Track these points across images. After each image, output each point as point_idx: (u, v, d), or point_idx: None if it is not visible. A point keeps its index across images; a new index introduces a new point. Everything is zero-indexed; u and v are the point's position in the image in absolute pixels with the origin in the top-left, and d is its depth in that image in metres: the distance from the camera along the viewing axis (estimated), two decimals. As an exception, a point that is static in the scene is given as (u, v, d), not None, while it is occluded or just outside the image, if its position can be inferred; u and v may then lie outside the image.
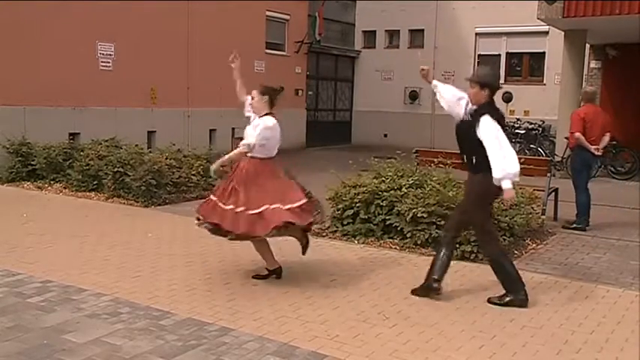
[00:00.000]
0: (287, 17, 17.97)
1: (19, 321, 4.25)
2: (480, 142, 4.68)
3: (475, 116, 4.75)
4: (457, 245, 5.65)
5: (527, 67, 18.53)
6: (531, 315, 4.63)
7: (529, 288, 5.25)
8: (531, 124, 16.26)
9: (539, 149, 14.87)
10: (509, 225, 6.46)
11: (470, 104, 4.86)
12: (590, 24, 12.53)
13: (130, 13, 12.69)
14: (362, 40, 21.15)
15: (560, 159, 13.03)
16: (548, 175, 8.08)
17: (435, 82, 5.10)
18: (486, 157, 4.65)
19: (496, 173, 4.58)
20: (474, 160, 4.81)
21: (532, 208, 7.25)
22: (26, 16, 10.98)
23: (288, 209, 4.90)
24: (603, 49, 15.45)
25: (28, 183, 9.97)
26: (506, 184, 4.59)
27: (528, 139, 15.40)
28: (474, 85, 4.79)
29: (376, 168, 7.32)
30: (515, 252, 6.53)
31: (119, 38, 12.66)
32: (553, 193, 8.27)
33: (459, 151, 5.07)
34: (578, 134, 7.76)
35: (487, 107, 4.77)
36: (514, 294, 4.88)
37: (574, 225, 7.83)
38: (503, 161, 4.58)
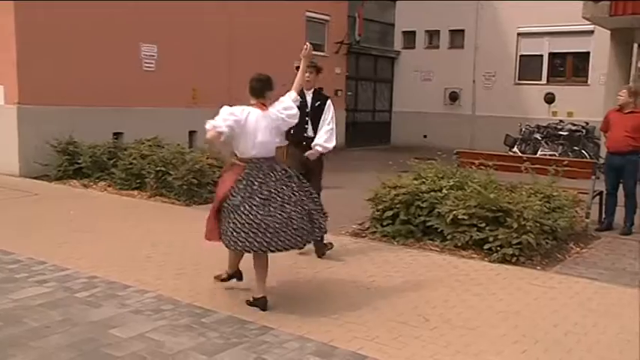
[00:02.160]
0: (327, 18, 18.00)
1: (68, 315, 4.38)
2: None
3: (322, 99, 5.96)
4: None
5: (571, 67, 18.14)
6: (576, 320, 4.54)
7: (572, 293, 5.17)
8: (574, 125, 15.90)
9: (582, 151, 14.54)
10: (552, 228, 6.35)
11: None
12: (638, 22, 12.20)
13: (172, 14, 12.90)
14: (401, 40, 21.02)
15: (604, 161, 12.69)
16: (593, 177, 7.90)
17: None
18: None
19: (330, 143, 5.87)
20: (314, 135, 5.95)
21: (576, 211, 7.11)
22: (73, 20, 11.26)
23: None
24: (652, 48, 15.01)
25: (75, 181, 10.24)
26: (318, 149, 5.87)
27: (571, 141, 15.06)
28: (313, 70, 5.83)
29: (416, 169, 7.29)
30: (559, 255, 6.42)
31: (162, 40, 12.88)
32: (598, 197, 8.08)
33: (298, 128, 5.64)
34: None
35: (324, 93, 6.11)
36: None
37: (626, 230, 7.64)
38: (332, 137, 5.90)
